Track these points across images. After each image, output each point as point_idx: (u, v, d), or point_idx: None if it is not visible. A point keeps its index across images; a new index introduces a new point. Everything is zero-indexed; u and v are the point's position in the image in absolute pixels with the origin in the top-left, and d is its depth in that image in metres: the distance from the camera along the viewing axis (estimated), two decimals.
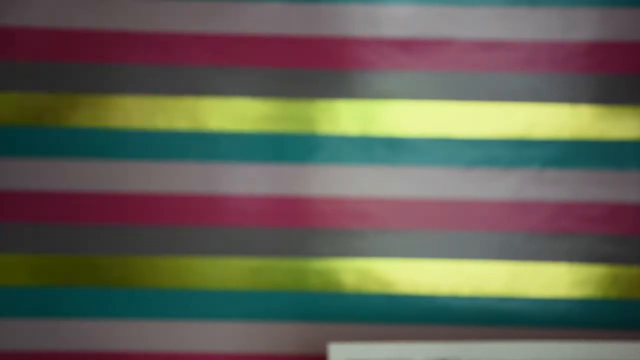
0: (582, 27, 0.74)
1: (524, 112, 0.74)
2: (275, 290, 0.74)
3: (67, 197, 0.74)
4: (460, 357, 0.69)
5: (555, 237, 0.74)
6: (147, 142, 0.74)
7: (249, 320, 0.74)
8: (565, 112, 0.74)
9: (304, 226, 0.74)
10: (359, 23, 0.74)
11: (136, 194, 0.74)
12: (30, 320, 0.74)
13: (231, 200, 0.74)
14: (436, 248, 0.74)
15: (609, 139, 0.74)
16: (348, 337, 0.74)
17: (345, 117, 0.74)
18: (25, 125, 0.73)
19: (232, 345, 0.74)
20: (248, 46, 0.74)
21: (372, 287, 0.74)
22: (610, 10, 0.74)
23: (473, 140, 0.74)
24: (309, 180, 0.74)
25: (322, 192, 0.74)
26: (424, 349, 0.69)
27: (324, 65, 0.74)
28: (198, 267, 0.74)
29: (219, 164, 0.74)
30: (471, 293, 0.74)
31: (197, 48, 0.74)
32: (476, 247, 0.74)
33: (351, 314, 0.74)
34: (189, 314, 0.74)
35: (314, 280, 0.74)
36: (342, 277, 0.74)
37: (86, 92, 0.74)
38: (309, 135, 0.74)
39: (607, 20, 0.74)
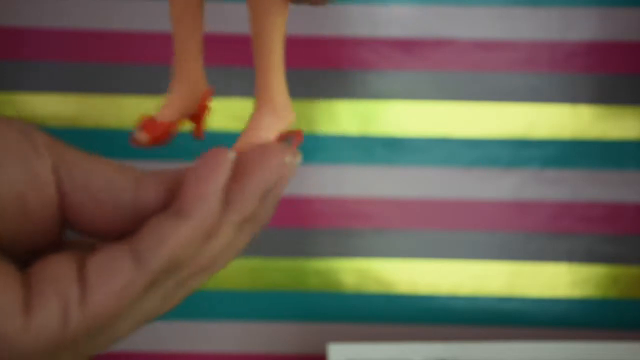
0: (582, 26, 0.74)
1: (524, 112, 0.74)
2: (275, 290, 0.74)
3: None
4: (460, 357, 0.69)
5: (555, 237, 0.74)
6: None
7: (248, 320, 0.74)
8: (565, 112, 0.74)
9: (304, 226, 0.74)
10: (359, 23, 0.74)
11: None
12: None
13: None
14: (436, 248, 0.74)
15: (609, 139, 0.74)
16: (348, 337, 0.74)
17: (345, 117, 0.74)
18: None
19: (231, 345, 0.74)
20: (248, 46, 0.74)
21: (372, 287, 0.74)
22: (610, 10, 0.75)
23: (473, 140, 0.74)
24: (309, 180, 0.74)
25: (322, 192, 0.74)
26: (424, 349, 0.69)
27: (323, 65, 0.74)
28: None
29: None
30: (471, 293, 0.74)
31: None
32: (476, 247, 0.74)
33: (351, 314, 0.74)
34: (188, 314, 0.74)
35: (314, 280, 0.74)
36: (342, 277, 0.74)
37: (86, 93, 0.74)
38: (308, 135, 0.74)
39: (607, 20, 0.74)
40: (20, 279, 0.35)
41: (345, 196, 0.74)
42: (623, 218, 0.74)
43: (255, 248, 0.74)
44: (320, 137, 0.74)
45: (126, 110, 0.74)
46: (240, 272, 0.74)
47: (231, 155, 0.38)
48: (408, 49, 0.74)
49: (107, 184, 0.37)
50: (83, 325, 0.35)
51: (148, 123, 0.40)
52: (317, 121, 0.74)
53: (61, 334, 0.34)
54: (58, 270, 0.35)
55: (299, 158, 0.41)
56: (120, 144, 0.74)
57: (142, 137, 0.40)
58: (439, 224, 0.74)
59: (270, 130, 0.40)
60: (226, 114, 0.74)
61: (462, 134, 0.74)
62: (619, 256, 0.74)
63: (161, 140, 0.41)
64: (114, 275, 0.35)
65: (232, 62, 0.74)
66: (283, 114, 0.41)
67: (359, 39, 0.74)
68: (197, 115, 0.42)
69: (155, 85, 0.74)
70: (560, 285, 0.74)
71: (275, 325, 0.74)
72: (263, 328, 0.74)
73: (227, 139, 0.74)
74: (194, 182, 0.36)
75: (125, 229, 0.38)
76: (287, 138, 0.41)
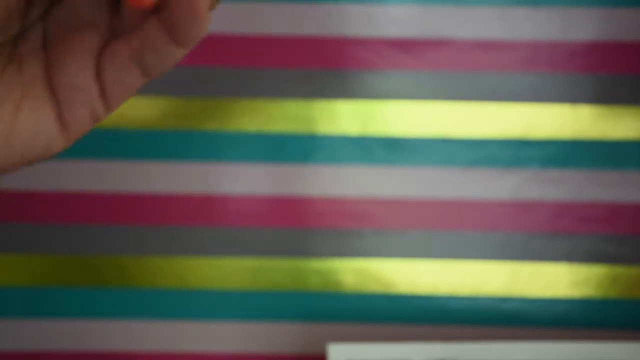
0: (583, 27, 0.74)
1: (524, 112, 0.74)
2: (275, 290, 0.74)
3: (66, 197, 0.74)
4: (460, 357, 0.69)
5: (555, 237, 0.74)
6: (146, 142, 0.74)
7: (249, 320, 0.74)
8: (565, 112, 0.74)
9: (304, 226, 0.74)
10: (359, 23, 0.74)
11: (136, 194, 0.74)
12: (30, 320, 0.74)
13: (231, 200, 0.74)
14: (436, 248, 0.74)
15: (609, 139, 0.74)
16: (347, 337, 0.74)
17: (345, 117, 0.74)
18: None
19: (231, 345, 0.74)
20: (247, 46, 0.74)
21: (372, 287, 0.74)
22: (610, 10, 0.74)
23: (473, 140, 0.74)
24: (309, 180, 0.74)
25: (321, 192, 0.74)
26: (424, 349, 0.69)
27: (323, 65, 0.74)
28: (198, 267, 0.74)
29: (219, 164, 0.74)
30: (471, 293, 0.74)
31: (196, 49, 0.74)
32: (476, 247, 0.74)
33: (351, 314, 0.74)
34: (188, 314, 0.74)
35: (314, 280, 0.74)
36: (342, 277, 0.74)
37: None
38: (308, 135, 0.74)
39: (608, 20, 0.74)
40: (46, 91, 0.41)
41: (345, 196, 0.74)
42: (623, 218, 0.74)
43: (256, 248, 0.74)
44: (320, 137, 0.74)
45: (126, 109, 0.74)
46: (240, 272, 0.74)
47: None
48: (408, 49, 0.74)
49: None
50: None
51: None
52: (317, 121, 0.74)
53: (90, 129, 0.41)
54: (80, 80, 0.41)
55: None
56: (121, 144, 0.74)
57: None
58: (439, 224, 0.74)
59: None
60: (226, 113, 0.74)
61: (462, 134, 0.74)
62: (619, 256, 0.74)
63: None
64: (129, 88, 0.41)
65: (231, 62, 0.74)
66: None
67: (359, 39, 0.74)
68: None
69: (155, 85, 0.74)
70: (560, 285, 0.74)
71: (275, 325, 0.74)
72: (263, 328, 0.74)
73: (227, 139, 0.74)
74: (185, 5, 0.40)
75: None
76: None
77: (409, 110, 0.74)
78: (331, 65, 0.74)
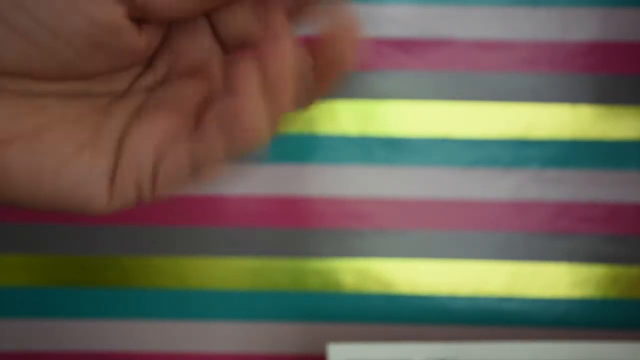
0: (583, 27, 0.74)
1: (524, 112, 0.74)
2: (275, 290, 0.74)
3: None
4: (460, 357, 0.69)
5: (555, 237, 0.74)
6: None
7: (248, 320, 0.74)
8: (565, 112, 0.74)
9: (304, 226, 0.74)
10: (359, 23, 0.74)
11: None
12: (30, 320, 0.74)
13: (231, 200, 0.74)
14: (436, 248, 0.74)
15: (609, 139, 0.74)
16: (347, 337, 0.74)
17: (345, 117, 0.74)
18: None
19: (231, 345, 0.74)
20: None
21: (372, 287, 0.74)
22: (610, 10, 0.74)
23: (473, 140, 0.74)
24: (309, 180, 0.74)
25: (321, 192, 0.74)
26: (424, 349, 0.69)
27: None
28: (198, 267, 0.74)
29: None
30: (470, 293, 0.74)
31: None
32: (476, 247, 0.74)
33: (351, 314, 0.74)
34: (188, 314, 0.74)
35: (314, 280, 0.74)
36: (342, 277, 0.74)
37: None
38: (308, 135, 0.74)
39: (608, 20, 0.74)
40: (112, 148, 0.42)
41: (345, 196, 0.74)
42: (623, 218, 0.74)
43: (256, 248, 0.74)
44: (320, 137, 0.74)
45: None
46: (240, 272, 0.74)
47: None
48: (408, 49, 0.74)
49: None
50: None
51: None
52: (317, 121, 0.74)
53: (131, 206, 0.43)
54: (139, 156, 0.42)
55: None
56: None
57: None
58: (439, 224, 0.74)
59: None
60: None
61: (462, 134, 0.74)
62: (619, 256, 0.74)
63: None
64: (175, 182, 0.42)
65: None
66: None
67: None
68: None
69: None
70: (560, 285, 0.74)
71: (275, 325, 0.74)
72: (263, 328, 0.74)
73: None
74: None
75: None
76: None
77: (409, 110, 0.74)
78: None
